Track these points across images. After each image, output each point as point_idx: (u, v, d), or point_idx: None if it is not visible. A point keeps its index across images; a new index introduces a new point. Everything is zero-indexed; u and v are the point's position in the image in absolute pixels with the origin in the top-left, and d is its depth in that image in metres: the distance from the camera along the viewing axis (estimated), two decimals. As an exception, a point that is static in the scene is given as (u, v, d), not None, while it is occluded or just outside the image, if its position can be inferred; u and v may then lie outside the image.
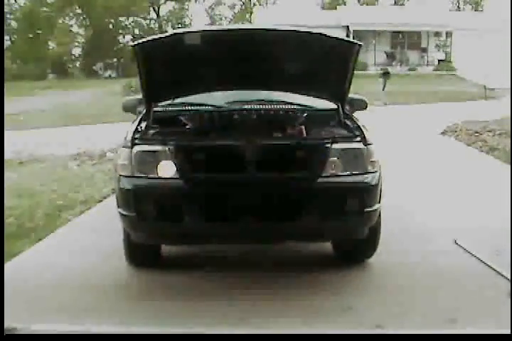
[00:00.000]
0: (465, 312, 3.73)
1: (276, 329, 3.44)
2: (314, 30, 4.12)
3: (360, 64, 36.01)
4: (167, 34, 4.18)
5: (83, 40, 46.63)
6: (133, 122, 4.57)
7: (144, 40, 4.15)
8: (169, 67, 4.42)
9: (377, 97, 20.98)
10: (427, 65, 37.11)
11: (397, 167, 8.53)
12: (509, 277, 4.12)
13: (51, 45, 45.96)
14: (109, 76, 41.45)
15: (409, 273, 4.47)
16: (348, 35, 35.63)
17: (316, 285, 4.26)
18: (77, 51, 47.21)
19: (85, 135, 12.80)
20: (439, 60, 37.13)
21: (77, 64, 46.84)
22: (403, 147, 10.83)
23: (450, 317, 3.62)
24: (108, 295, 4.14)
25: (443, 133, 12.72)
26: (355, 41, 4.23)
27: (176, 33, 4.22)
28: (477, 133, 11.98)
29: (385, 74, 22.14)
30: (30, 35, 44.09)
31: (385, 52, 37.01)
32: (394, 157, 9.39)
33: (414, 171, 8.46)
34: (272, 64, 4.47)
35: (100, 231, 5.48)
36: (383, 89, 21.45)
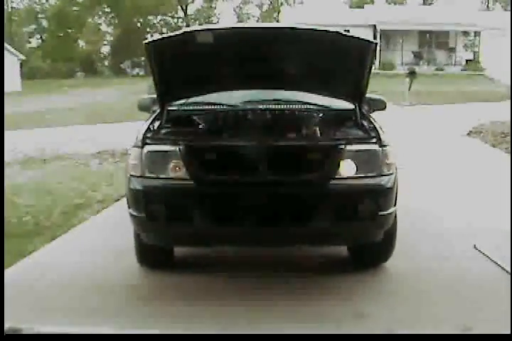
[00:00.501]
0: (482, 322, 3.58)
1: (276, 330, 3.43)
2: (331, 29, 4.03)
3: (387, 64, 35.91)
4: (180, 32, 4.10)
5: (112, 38, 47.16)
6: (146, 121, 4.53)
7: (157, 38, 4.11)
8: (183, 65, 4.38)
9: (404, 97, 20.84)
10: (455, 64, 36.70)
11: (419, 168, 8.43)
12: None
13: (80, 43, 46.54)
14: (137, 74, 41.75)
15: (426, 279, 4.36)
16: (375, 35, 35.40)
17: (329, 290, 4.20)
18: (105, 49, 47.80)
19: (110, 133, 12.92)
20: (466, 60, 36.74)
21: (106, 62, 47.41)
22: (427, 148, 10.68)
23: (466, 327, 3.49)
24: (116, 296, 4.10)
25: (468, 134, 12.50)
26: (371, 40, 4.14)
27: (189, 31, 4.14)
28: (503, 134, 11.74)
29: (412, 74, 21.92)
30: (60, 34, 44.69)
31: (412, 51, 36.69)
32: (416, 158, 9.30)
33: (435, 172, 8.32)
34: (287, 63, 4.40)
35: (114, 230, 5.45)
36: (409, 89, 21.20)
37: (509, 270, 4.31)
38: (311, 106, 4.96)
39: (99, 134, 13.16)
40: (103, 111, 18.63)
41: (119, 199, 6.82)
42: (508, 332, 2.82)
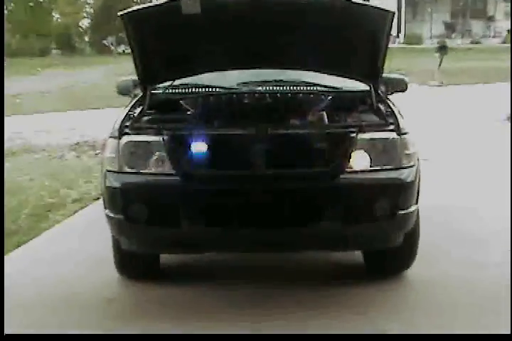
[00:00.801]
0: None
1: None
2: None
3: (414, 37, 35.77)
4: (163, 1, 4.02)
5: (92, 10, 47.00)
6: (125, 108, 4.50)
7: (135, 8, 4.04)
8: (167, 41, 4.35)
9: (432, 76, 20.77)
10: (494, 36, 36.59)
11: (449, 160, 8.41)
12: None
13: (55, 16, 46.31)
14: (123, 51, 41.62)
15: (456, 290, 4.35)
16: (399, 3, 35.25)
17: (341, 302, 4.18)
18: (85, 23, 47.61)
19: (91, 121, 12.93)
20: (508, 31, 36.57)
21: (86, 38, 47.24)
22: (457, 136, 10.62)
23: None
24: (89, 314, 4.09)
25: (508, 118, 12.43)
26: (387, 9, 4.05)
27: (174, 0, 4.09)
28: (549, 119, 11.66)
29: (442, 49, 21.80)
30: (31, 4, 44.30)
31: (443, 22, 36.58)
32: (445, 149, 9.26)
33: (467, 165, 8.28)
34: (291, 37, 4.30)
35: (91, 235, 5.45)
36: (439, 67, 21.15)
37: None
38: (318, 88, 4.93)
39: (77, 122, 13.18)
40: (83, 96, 18.62)
41: (98, 198, 6.83)
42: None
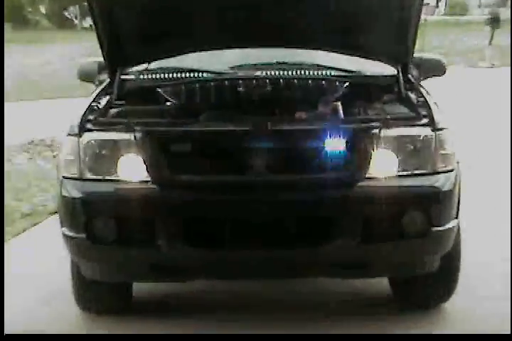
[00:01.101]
0: None
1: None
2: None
3: (458, 6, 35.82)
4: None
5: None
6: (88, 97, 4.48)
7: None
8: (141, 12, 4.38)
9: (481, 56, 20.78)
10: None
11: (497, 166, 8.38)
12: None
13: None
14: (90, 26, 41.68)
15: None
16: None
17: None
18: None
19: (48, 114, 12.81)
20: None
21: (42, 9, 47.23)
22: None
23: None
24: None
25: None
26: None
27: None
28: None
29: (494, 21, 21.80)
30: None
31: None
32: (493, 151, 9.24)
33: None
34: (297, 6, 4.36)
35: (45, 258, 5.43)
36: (490, 43, 21.17)
37: None
38: (332, 72, 4.92)
39: (31, 115, 13.15)
40: (38, 82, 18.66)
41: (56, 212, 6.84)
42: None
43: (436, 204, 3.97)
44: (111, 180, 3.97)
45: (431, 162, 3.98)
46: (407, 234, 3.89)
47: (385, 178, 3.96)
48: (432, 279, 4.31)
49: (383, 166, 3.95)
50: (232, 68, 5.03)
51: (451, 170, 4.03)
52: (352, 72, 4.95)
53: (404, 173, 3.98)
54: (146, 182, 3.92)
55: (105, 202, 3.99)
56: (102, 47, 4.37)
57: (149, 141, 3.93)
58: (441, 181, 3.97)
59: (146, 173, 3.92)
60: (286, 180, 3.95)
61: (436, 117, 4.06)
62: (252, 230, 3.92)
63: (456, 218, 4.10)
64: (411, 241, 3.93)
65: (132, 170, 3.95)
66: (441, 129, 4.02)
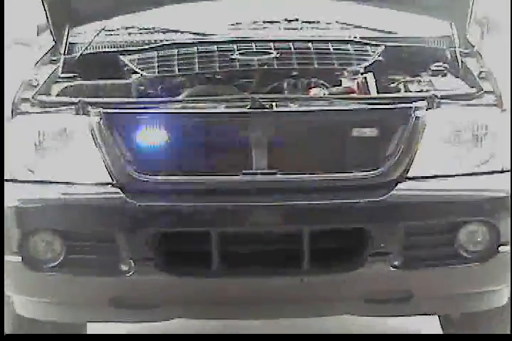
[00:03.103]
0: None
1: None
2: None
3: None
4: None
5: None
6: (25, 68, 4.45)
7: None
8: None
9: None
10: None
11: None
12: None
13: None
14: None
15: None
16: None
17: None
18: None
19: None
20: None
21: None
22: None
23: None
24: None
25: None
26: None
27: None
28: None
29: None
30: None
31: None
32: None
33: None
34: None
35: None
36: None
37: None
38: (359, 33, 4.90)
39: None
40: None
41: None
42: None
43: (506, 213, 3.80)
44: (55, 182, 3.85)
45: (497, 156, 3.86)
46: (466, 256, 3.78)
47: (434, 178, 3.84)
48: (498, 315, 4.24)
49: (431, 162, 3.83)
50: (224, 28, 5.04)
51: None
52: (387, 32, 4.94)
53: (461, 172, 3.84)
54: (105, 184, 3.82)
55: (48, 212, 3.85)
56: None
57: (109, 127, 3.80)
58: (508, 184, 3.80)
59: (105, 172, 3.81)
60: (296, 181, 3.84)
61: (501, 94, 3.99)
62: (249, 250, 3.84)
63: None
64: (471, 267, 3.80)
65: (85, 167, 3.83)
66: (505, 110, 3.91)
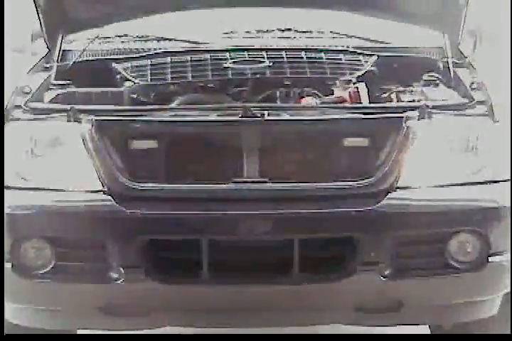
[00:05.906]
0: None
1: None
2: None
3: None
4: None
5: None
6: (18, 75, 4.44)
7: None
8: None
9: None
10: None
11: None
12: None
13: None
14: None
15: None
16: None
17: None
18: None
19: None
20: None
21: None
22: None
23: None
24: None
25: None
26: None
27: None
28: None
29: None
30: None
31: None
32: None
33: None
34: None
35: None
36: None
37: None
38: (353, 42, 4.92)
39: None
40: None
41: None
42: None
43: (495, 224, 3.84)
44: (47, 189, 3.86)
45: (490, 166, 3.87)
46: (456, 266, 3.80)
47: (425, 188, 3.85)
48: (489, 326, 4.26)
49: (422, 171, 3.85)
50: (218, 37, 5.07)
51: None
52: (380, 42, 4.96)
53: (452, 181, 3.86)
54: (97, 191, 3.83)
55: (39, 219, 3.86)
56: (36, 3, 4.40)
57: (101, 134, 3.80)
58: (503, 193, 3.85)
59: (96, 180, 3.83)
60: (287, 189, 3.84)
61: (492, 104, 4.01)
62: (240, 259, 3.82)
63: None
64: (461, 277, 3.82)
65: (76, 174, 3.84)
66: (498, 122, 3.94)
